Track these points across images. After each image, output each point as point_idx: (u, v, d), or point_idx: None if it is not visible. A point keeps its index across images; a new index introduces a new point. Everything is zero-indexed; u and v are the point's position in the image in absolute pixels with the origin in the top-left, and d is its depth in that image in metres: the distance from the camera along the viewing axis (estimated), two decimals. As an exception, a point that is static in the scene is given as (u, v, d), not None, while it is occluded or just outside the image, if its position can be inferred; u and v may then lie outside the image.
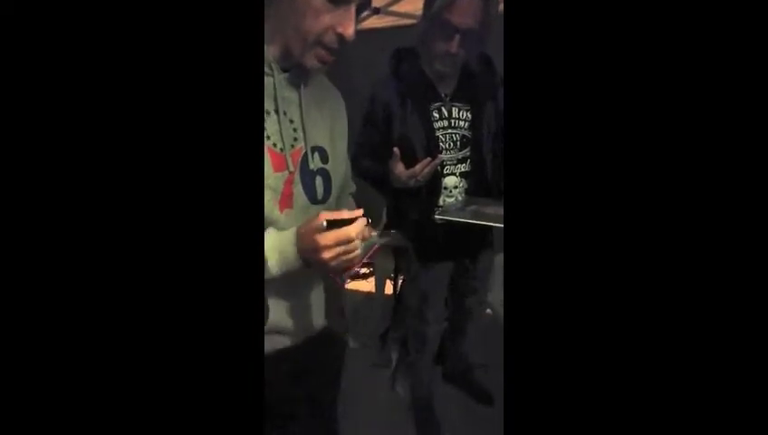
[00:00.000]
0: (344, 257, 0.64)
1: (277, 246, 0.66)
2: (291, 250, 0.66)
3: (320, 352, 0.83)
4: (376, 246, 0.70)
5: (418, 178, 1.13)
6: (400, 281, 1.43)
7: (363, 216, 0.65)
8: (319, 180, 0.73)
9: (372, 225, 0.68)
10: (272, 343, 0.75)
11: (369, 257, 0.70)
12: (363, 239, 0.66)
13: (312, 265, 0.66)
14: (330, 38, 0.64)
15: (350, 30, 0.63)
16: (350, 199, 0.88)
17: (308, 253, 0.65)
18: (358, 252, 0.65)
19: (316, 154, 0.73)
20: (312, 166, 0.72)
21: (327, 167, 0.74)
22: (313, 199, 0.73)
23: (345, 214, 0.64)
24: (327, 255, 0.63)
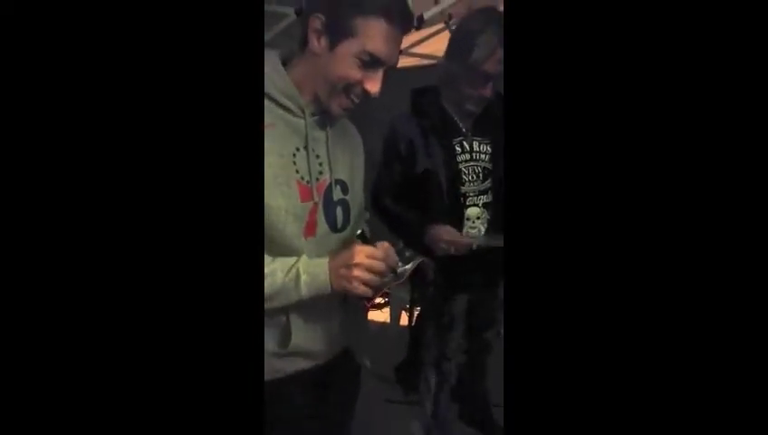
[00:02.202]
0: (370, 278, 0.68)
1: (310, 270, 0.71)
2: (322, 271, 0.70)
3: (338, 375, 0.85)
4: (402, 279, 0.72)
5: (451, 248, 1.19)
6: (416, 312, 1.41)
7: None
8: (339, 210, 0.79)
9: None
10: (293, 365, 0.77)
11: (389, 287, 0.72)
12: (391, 268, 0.70)
13: (338, 288, 0.70)
14: (356, 91, 0.71)
15: (375, 89, 0.70)
16: (365, 225, 0.91)
17: (339, 270, 0.69)
18: (381, 280, 0.69)
19: (338, 186, 0.79)
20: (334, 197, 0.78)
21: (347, 198, 0.80)
22: (334, 227, 0.78)
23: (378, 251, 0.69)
24: (357, 272, 0.67)
